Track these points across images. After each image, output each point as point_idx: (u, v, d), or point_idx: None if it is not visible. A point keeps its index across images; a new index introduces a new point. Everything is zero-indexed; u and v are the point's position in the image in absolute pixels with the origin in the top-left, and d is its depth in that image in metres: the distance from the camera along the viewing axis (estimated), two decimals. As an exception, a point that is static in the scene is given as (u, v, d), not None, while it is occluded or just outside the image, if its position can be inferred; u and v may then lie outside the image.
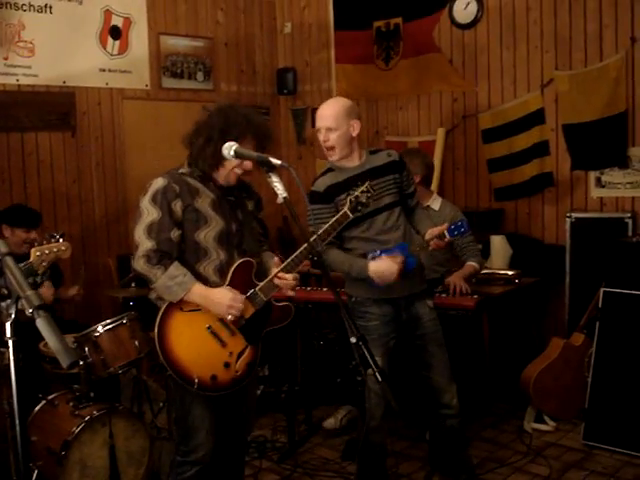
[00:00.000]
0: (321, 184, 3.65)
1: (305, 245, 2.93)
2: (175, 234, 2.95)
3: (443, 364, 3.75)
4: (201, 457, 3.12)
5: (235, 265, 3.03)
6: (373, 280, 3.52)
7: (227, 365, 3.02)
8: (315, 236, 2.96)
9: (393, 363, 3.73)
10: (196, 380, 2.96)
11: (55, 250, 3.16)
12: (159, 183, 2.97)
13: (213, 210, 3.02)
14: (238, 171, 3.02)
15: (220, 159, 2.94)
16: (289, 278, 3.02)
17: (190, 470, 3.13)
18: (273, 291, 3.05)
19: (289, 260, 3.03)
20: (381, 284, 3.49)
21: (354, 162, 3.67)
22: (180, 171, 3.05)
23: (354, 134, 3.62)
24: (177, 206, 2.95)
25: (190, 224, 2.98)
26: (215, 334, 3.01)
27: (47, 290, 4.30)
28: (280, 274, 3.02)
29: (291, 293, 3.06)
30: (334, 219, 3.17)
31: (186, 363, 2.97)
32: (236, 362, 3.04)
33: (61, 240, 3.21)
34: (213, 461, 3.17)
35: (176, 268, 2.92)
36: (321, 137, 3.59)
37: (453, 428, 3.83)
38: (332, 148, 3.60)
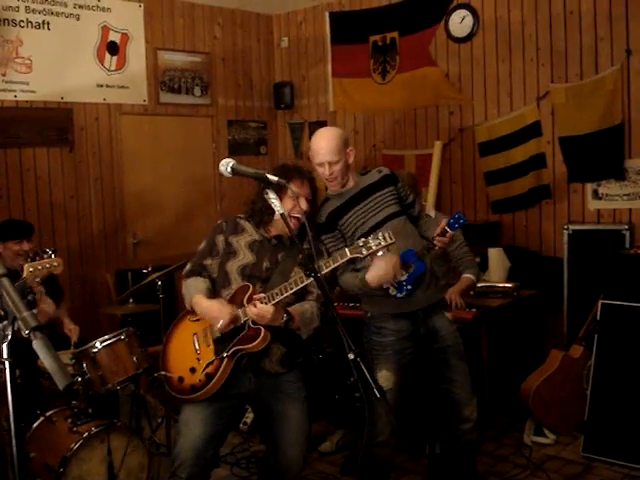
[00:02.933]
0: (322, 215, 3.64)
1: (286, 283, 3.06)
2: (208, 261, 3.38)
3: (464, 377, 3.72)
4: (177, 467, 3.15)
5: (237, 287, 3.24)
6: (384, 289, 3.50)
7: (193, 370, 3.21)
8: (282, 288, 3.06)
9: (405, 378, 3.69)
10: (163, 372, 3.32)
11: (48, 266, 3.17)
12: (217, 223, 3.46)
13: (248, 247, 3.33)
14: (295, 213, 3.18)
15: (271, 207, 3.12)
16: (260, 307, 3.03)
17: None
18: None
19: (270, 292, 3.07)
20: (386, 283, 3.45)
21: (349, 185, 3.68)
22: (238, 215, 3.46)
23: (350, 161, 3.64)
24: (219, 240, 3.38)
25: (225, 255, 3.35)
26: (195, 340, 3.27)
27: (48, 306, 4.31)
28: (255, 301, 3.07)
29: (262, 321, 3.07)
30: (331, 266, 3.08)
31: (170, 360, 3.35)
32: (202, 371, 3.18)
33: (53, 256, 3.23)
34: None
35: (194, 281, 3.33)
36: (326, 171, 3.55)
37: (469, 443, 3.80)
38: (335, 179, 3.60)
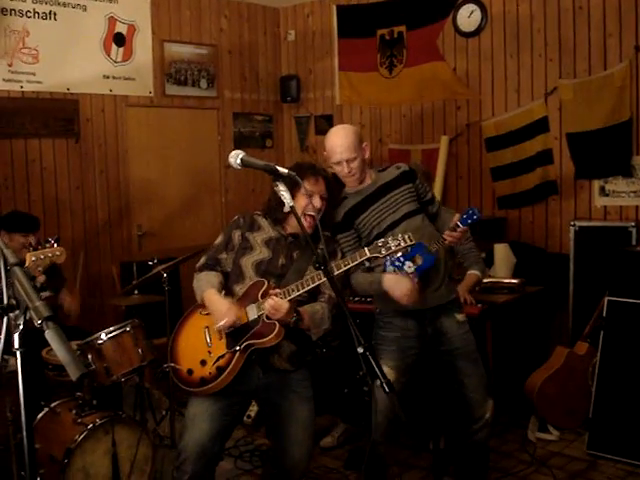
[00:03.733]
0: (339, 213, 3.59)
1: (303, 280, 3.10)
2: (223, 255, 3.37)
3: (477, 379, 3.63)
4: (182, 462, 3.15)
5: (252, 282, 3.24)
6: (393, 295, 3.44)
7: (203, 363, 3.19)
8: (295, 287, 3.09)
9: (407, 378, 3.64)
10: (172, 364, 3.30)
11: (50, 255, 3.16)
12: (234, 218, 3.46)
13: (264, 244, 3.33)
14: (309, 211, 3.19)
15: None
16: (276, 300, 3.03)
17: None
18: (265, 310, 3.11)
19: (286, 288, 3.09)
20: (402, 301, 3.37)
21: (366, 182, 3.63)
22: (255, 212, 3.46)
23: (366, 156, 3.60)
24: (236, 235, 3.37)
25: (240, 250, 3.34)
26: (207, 333, 3.25)
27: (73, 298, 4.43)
28: (272, 295, 3.08)
29: (275, 315, 3.06)
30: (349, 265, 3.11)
31: (179, 353, 3.32)
32: (213, 364, 3.16)
33: (56, 245, 3.22)
34: (197, 476, 3.15)
35: (206, 275, 3.33)
36: (344, 169, 3.51)
37: (479, 441, 3.73)
38: (353, 175, 3.56)
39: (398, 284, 3.34)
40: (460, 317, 3.70)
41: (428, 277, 3.54)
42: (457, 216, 3.46)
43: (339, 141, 3.50)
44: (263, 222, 3.39)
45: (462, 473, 3.96)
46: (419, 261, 3.47)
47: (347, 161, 3.49)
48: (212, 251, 3.40)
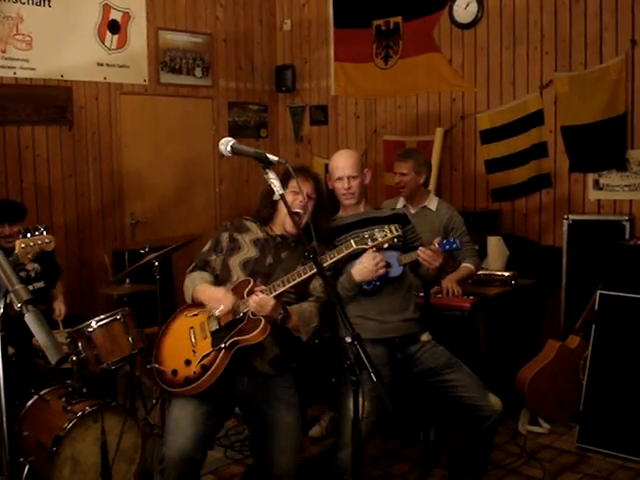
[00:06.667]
0: None
1: (288, 275, 3.09)
2: (212, 257, 3.42)
3: (467, 380, 3.58)
4: (165, 468, 3.04)
5: (238, 281, 3.24)
6: (362, 286, 3.45)
7: (188, 362, 3.15)
8: (282, 284, 3.08)
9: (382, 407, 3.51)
10: (156, 365, 3.25)
11: (39, 242, 3.17)
12: (222, 224, 3.57)
13: (252, 243, 3.39)
14: (296, 208, 3.24)
15: (273, 203, 3.35)
16: (261, 297, 3.02)
17: None
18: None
19: (271, 284, 3.09)
20: (373, 274, 3.37)
21: (358, 210, 3.72)
22: (244, 217, 3.54)
23: (366, 181, 3.74)
24: (223, 237, 3.44)
25: (228, 251, 3.39)
26: (191, 334, 3.22)
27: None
28: (257, 291, 3.07)
29: (261, 312, 3.04)
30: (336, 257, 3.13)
31: (164, 355, 3.28)
32: (197, 363, 3.11)
33: (45, 232, 3.22)
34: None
35: (199, 273, 3.36)
36: (345, 185, 3.64)
37: (491, 431, 3.67)
38: (352, 194, 3.67)
39: (362, 262, 3.33)
40: (424, 337, 3.67)
41: (400, 303, 3.61)
42: (439, 239, 3.53)
43: (343, 160, 3.70)
44: (251, 225, 3.46)
45: (460, 462, 3.85)
46: (388, 268, 3.45)
47: (349, 178, 3.64)
48: (201, 255, 3.46)
